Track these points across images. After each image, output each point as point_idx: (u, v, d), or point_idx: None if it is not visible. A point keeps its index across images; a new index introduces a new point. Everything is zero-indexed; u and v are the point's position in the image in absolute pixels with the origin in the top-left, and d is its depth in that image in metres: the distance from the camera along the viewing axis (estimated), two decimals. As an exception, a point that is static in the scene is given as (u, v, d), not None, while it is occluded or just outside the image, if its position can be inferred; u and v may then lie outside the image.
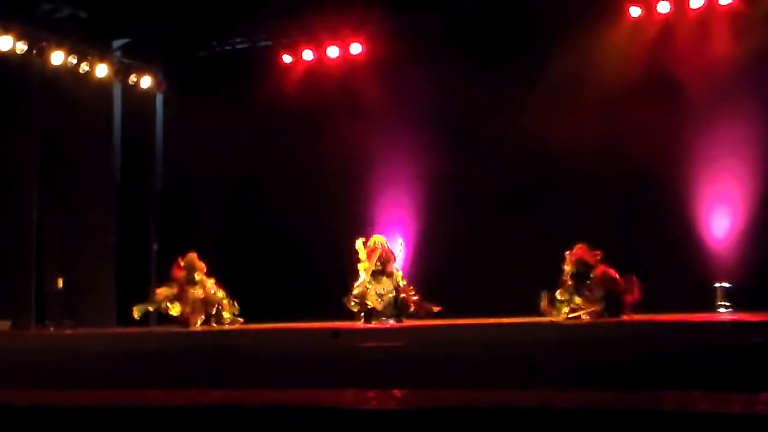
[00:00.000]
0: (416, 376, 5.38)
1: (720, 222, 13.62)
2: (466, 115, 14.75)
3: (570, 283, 11.61)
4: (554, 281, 13.18)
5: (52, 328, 14.24)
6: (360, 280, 12.59)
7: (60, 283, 15.19)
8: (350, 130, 15.34)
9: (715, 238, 13.60)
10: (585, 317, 11.49)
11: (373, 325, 12.18)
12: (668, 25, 14.02)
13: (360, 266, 12.71)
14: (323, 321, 12.43)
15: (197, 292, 13.19)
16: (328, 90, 15.81)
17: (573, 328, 10.37)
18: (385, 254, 12.65)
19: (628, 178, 12.82)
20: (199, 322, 13.16)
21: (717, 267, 13.27)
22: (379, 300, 12.46)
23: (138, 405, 4.40)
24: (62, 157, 15.17)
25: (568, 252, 11.82)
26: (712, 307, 12.71)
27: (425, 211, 14.98)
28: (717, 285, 12.98)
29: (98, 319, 14.99)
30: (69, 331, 13.79)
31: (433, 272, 14.48)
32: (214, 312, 13.27)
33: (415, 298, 12.69)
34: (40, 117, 14.93)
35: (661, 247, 12.80)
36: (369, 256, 12.57)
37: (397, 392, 4.40)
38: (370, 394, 4.38)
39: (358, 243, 12.71)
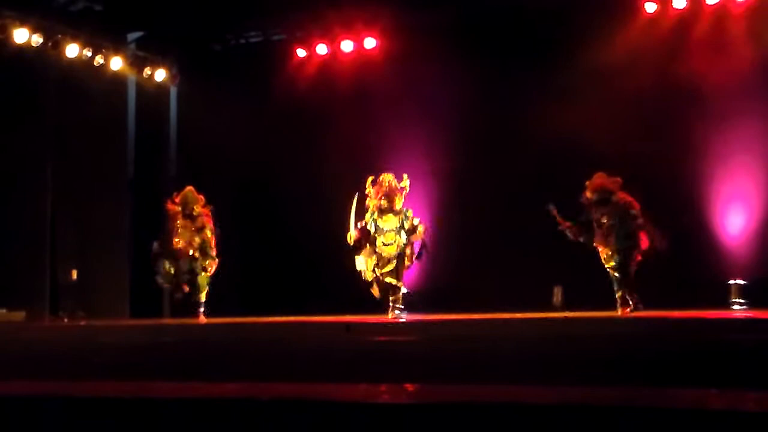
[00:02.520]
0: (428, 371, 5.37)
1: (735, 219, 13.56)
2: (480, 111, 14.72)
3: (593, 211, 11.38)
4: (567, 276, 13.16)
5: (65, 320, 14.30)
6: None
7: (74, 274, 15.26)
8: (363, 125, 15.35)
9: (730, 234, 13.55)
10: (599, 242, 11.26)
11: (389, 318, 12.14)
12: (684, 21, 13.96)
13: (367, 202, 12.50)
14: (335, 315, 12.43)
15: (195, 225, 13.07)
16: (341, 84, 15.81)
17: (586, 324, 10.34)
18: (390, 190, 12.35)
19: (642, 176, 12.71)
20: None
21: (731, 264, 13.22)
22: (382, 239, 12.22)
23: (151, 396, 4.40)
24: (76, 149, 15.22)
25: (588, 181, 11.58)
26: (727, 304, 12.65)
27: (439, 206, 14.95)
28: (731, 282, 12.92)
29: (111, 310, 15.04)
30: (82, 323, 13.84)
31: (447, 267, 14.46)
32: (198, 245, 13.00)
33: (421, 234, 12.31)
34: (55, 110, 14.98)
35: (675, 243, 12.73)
36: (376, 193, 12.38)
37: (409, 387, 4.39)
38: (382, 388, 4.37)
39: (368, 181, 12.49)
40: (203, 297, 13.16)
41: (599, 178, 11.53)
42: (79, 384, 5.16)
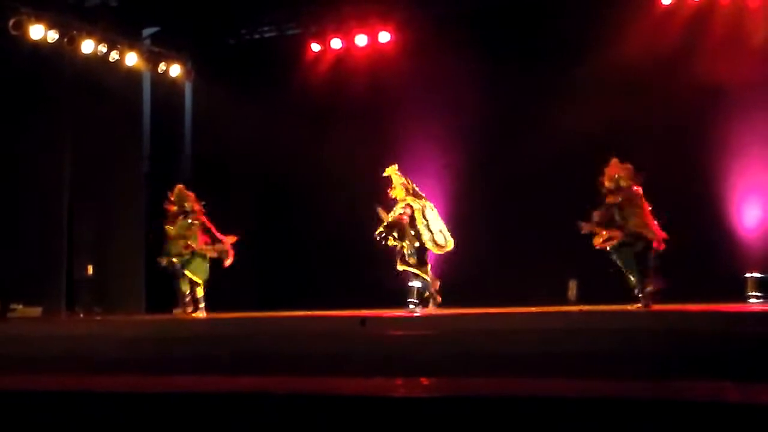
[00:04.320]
0: (444, 365, 5.37)
1: (751, 211, 13.49)
2: (497, 105, 14.68)
3: (610, 201, 11.22)
4: (582, 270, 13.13)
5: (81, 315, 14.36)
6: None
7: (90, 270, 15.32)
8: (378, 120, 15.34)
9: (747, 227, 13.48)
10: (602, 236, 11.05)
11: (402, 313, 12.15)
12: (700, 12, 13.88)
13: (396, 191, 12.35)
14: (350, 309, 12.44)
15: (194, 222, 13.03)
16: (356, 79, 15.80)
17: (601, 317, 10.30)
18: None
19: (657, 168, 12.64)
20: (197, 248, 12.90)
21: (748, 257, 13.16)
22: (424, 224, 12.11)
23: (166, 390, 4.42)
24: (92, 145, 15.27)
25: (605, 168, 11.43)
26: (743, 298, 12.59)
27: (454, 201, 14.93)
28: (748, 275, 12.87)
29: (127, 306, 15.11)
30: (98, 318, 13.90)
31: (462, 260, 14.46)
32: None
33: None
34: (71, 106, 15.03)
35: (691, 236, 12.69)
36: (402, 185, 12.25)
37: (424, 380, 4.40)
38: (398, 382, 4.38)
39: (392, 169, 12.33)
40: (201, 292, 12.98)
41: (611, 167, 11.40)
42: (97, 378, 5.19)
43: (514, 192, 14.47)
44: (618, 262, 10.97)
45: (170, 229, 12.88)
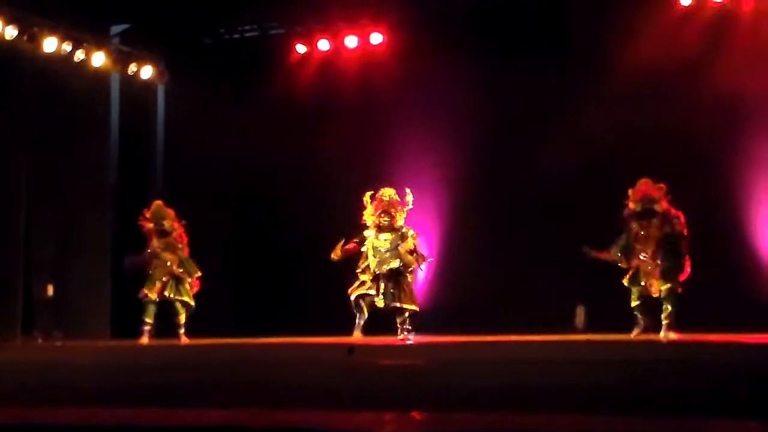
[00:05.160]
0: (438, 398, 5.36)
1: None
2: (494, 113, 14.75)
3: (635, 226, 11.40)
4: (590, 294, 13.14)
5: (40, 340, 14.30)
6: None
7: (50, 290, 15.26)
8: (368, 127, 15.39)
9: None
10: (644, 257, 11.31)
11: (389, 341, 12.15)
12: (721, 14, 13.96)
13: (364, 218, 12.34)
14: (336, 336, 12.43)
15: (168, 242, 13.06)
16: (345, 83, 15.86)
17: (611, 347, 10.32)
18: (390, 205, 12.16)
19: (678, 180, 12.63)
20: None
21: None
22: (374, 256, 12.09)
23: (134, 425, 4.40)
24: (54, 153, 15.24)
25: (631, 189, 11.55)
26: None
27: (449, 217, 14.97)
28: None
29: (91, 330, 15.05)
30: (59, 343, 13.85)
31: (459, 284, 14.46)
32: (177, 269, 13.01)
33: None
34: (31, 109, 15.00)
35: (716, 262, 12.70)
36: (375, 209, 12.22)
37: (416, 415, 4.39)
38: (387, 417, 4.37)
39: (366, 196, 12.34)
40: (183, 319, 13.10)
41: (643, 185, 11.48)
42: (54, 411, 5.16)
43: (514, 205, 14.51)
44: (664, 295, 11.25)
45: (154, 247, 12.92)
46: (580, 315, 13.45)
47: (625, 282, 11.55)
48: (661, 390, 5.48)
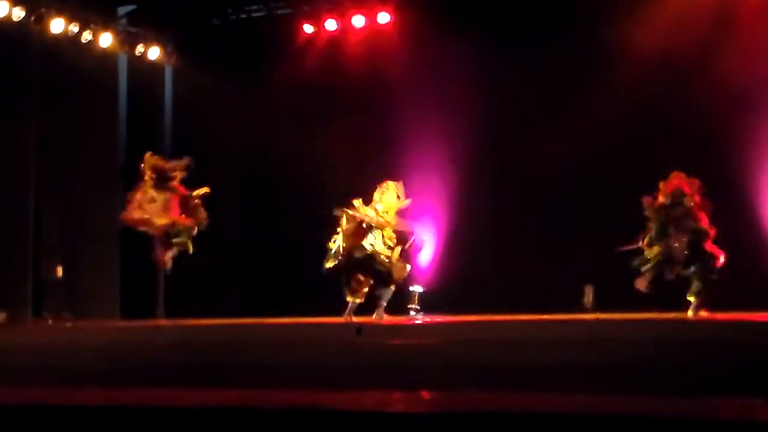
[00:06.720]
0: (446, 377, 5.39)
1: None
2: (505, 95, 14.68)
3: (663, 219, 11.33)
4: (599, 275, 13.11)
5: (50, 321, 14.36)
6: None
7: (59, 271, 15.31)
8: (376, 108, 15.34)
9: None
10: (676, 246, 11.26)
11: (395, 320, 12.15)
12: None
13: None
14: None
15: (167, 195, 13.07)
16: (352, 64, 15.81)
17: (620, 326, 10.32)
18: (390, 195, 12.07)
19: (695, 165, 12.56)
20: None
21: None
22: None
23: (144, 405, 4.44)
24: (62, 135, 15.26)
25: (662, 182, 11.53)
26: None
27: (459, 198, 14.95)
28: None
29: (100, 311, 15.10)
30: (68, 324, 13.91)
31: (468, 264, 14.47)
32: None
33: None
34: (38, 91, 15.01)
35: (735, 243, 12.64)
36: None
37: (425, 394, 4.41)
38: (396, 396, 4.40)
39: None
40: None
41: (675, 179, 11.42)
42: (65, 392, 5.20)
43: (524, 186, 14.48)
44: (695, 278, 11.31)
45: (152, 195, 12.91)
46: (588, 294, 13.43)
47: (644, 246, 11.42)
48: (668, 368, 5.49)
